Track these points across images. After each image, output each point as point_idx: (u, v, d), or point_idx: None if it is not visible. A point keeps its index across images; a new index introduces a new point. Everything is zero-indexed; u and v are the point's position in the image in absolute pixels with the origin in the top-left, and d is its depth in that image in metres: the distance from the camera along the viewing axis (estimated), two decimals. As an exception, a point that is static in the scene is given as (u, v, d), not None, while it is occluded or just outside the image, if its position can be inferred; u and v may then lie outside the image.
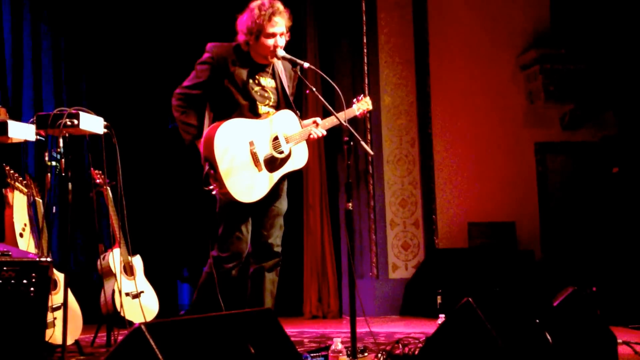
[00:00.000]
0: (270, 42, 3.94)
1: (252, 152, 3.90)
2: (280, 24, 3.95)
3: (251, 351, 2.37)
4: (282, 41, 3.98)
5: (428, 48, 7.10)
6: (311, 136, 4.09)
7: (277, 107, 4.08)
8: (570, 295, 3.38)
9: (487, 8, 7.22)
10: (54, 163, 3.76)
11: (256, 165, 3.90)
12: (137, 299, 4.88)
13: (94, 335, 4.86)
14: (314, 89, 3.96)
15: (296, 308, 6.78)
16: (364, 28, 6.99)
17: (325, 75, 4.01)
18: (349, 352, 3.60)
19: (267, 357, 2.46)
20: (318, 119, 4.16)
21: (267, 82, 4.08)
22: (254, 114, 3.99)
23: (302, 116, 4.32)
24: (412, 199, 6.99)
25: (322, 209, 6.83)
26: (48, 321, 3.77)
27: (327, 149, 6.87)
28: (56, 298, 4.05)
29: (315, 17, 6.98)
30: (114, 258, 4.80)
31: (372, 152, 4.55)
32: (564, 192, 7.12)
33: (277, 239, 4.13)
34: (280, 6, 3.97)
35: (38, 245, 4.09)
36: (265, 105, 4.04)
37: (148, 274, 5.16)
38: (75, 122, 3.77)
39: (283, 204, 4.15)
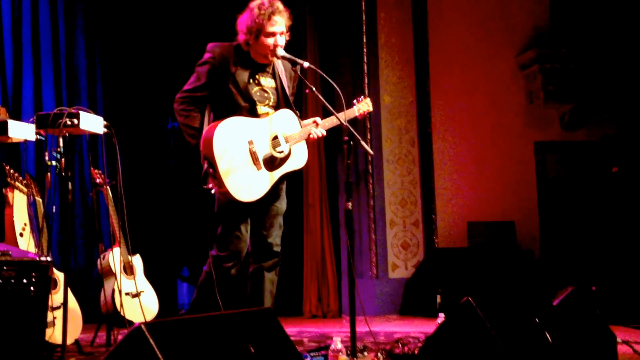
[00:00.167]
0: (270, 41, 3.94)
1: (251, 151, 3.90)
2: (280, 23, 3.95)
3: (251, 350, 2.37)
4: (282, 40, 3.98)
5: (428, 48, 7.10)
6: (311, 136, 4.09)
7: (277, 107, 4.09)
8: (570, 295, 3.38)
9: (486, 8, 7.22)
10: (54, 163, 3.76)
11: (255, 165, 3.91)
12: (136, 298, 4.88)
13: (94, 335, 4.86)
14: (314, 89, 3.96)
15: (296, 307, 6.78)
16: (364, 27, 6.98)
17: (325, 75, 4.01)
18: (348, 352, 3.61)
19: (267, 356, 2.46)
20: (318, 119, 4.16)
21: (267, 82, 4.08)
22: (254, 116, 3.99)
23: (302, 116, 4.32)
24: (411, 198, 6.99)
25: (321, 209, 6.83)
26: (48, 320, 3.77)
27: (326, 148, 6.87)
28: (56, 297, 4.05)
29: (315, 17, 6.98)
30: (114, 257, 4.81)
31: (371, 152, 4.55)
32: (564, 191, 7.12)
33: (276, 238, 4.13)
34: (280, 5, 3.98)
35: (38, 244, 4.09)
36: (264, 106, 4.05)
37: (148, 273, 5.16)
38: (75, 121, 3.77)
39: (282, 204, 4.15)
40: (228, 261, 3.98)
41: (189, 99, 3.98)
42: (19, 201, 4.12)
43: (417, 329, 5.31)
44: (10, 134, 3.80)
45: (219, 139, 3.83)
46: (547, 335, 2.93)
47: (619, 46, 7.03)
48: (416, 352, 3.62)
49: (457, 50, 7.14)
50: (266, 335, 2.57)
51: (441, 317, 4.20)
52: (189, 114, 3.97)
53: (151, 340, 2.04)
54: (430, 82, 7.07)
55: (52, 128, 3.79)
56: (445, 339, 2.93)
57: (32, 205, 4.22)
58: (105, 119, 4.04)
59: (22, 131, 3.87)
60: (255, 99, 4.01)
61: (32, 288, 3.24)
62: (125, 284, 4.84)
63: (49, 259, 3.37)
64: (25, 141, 4.07)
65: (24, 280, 3.21)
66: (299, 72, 4.08)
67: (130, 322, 4.54)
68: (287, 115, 4.08)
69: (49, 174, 3.84)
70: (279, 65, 4.13)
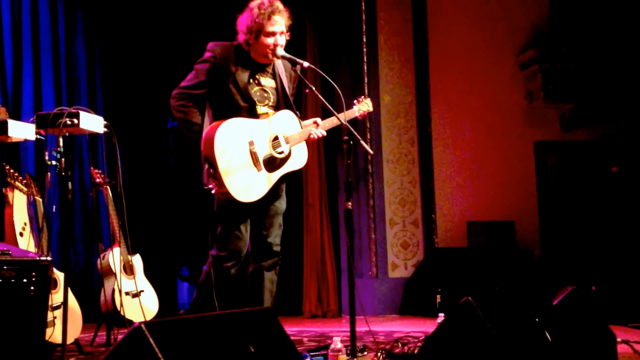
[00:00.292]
0: (270, 40, 3.94)
1: (251, 152, 3.90)
2: (279, 23, 3.95)
3: (251, 350, 2.37)
4: (282, 40, 3.98)
5: (427, 47, 7.10)
6: (311, 136, 4.10)
7: (277, 107, 4.09)
8: (570, 294, 3.38)
9: (486, 7, 7.23)
10: (53, 162, 3.76)
11: (255, 165, 3.91)
12: (136, 298, 4.89)
13: (94, 335, 4.86)
14: (314, 88, 3.96)
15: (296, 307, 6.78)
16: (364, 27, 6.99)
17: (325, 75, 4.01)
18: (348, 351, 3.61)
19: (266, 356, 2.46)
20: (318, 120, 4.17)
21: (267, 82, 4.08)
22: (253, 116, 4.00)
23: (302, 116, 4.32)
24: (411, 198, 6.99)
25: (321, 208, 6.84)
26: (48, 320, 3.77)
27: (326, 148, 6.87)
28: (56, 297, 4.05)
29: (315, 17, 6.98)
30: (114, 257, 4.81)
31: (371, 151, 4.56)
32: (563, 191, 7.12)
33: (276, 238, 4.14)
34: (279, 5, 3.98)
35: (38, 244, 4.09)
36: (264, 106, 4.05)
37: (148, 273, 5.16)
38: (75, 121, 3.78)
39: (282, 204, 4.15)
40: (228, 261, 3.99)
41: (187, 95, 3.98)
42: (19, 201, 4.12)
43: (416, 329, 5.31)
44: (10, 134, 3.80)
45: (220, 139, 3.83)
46: (547, 334, 2.93)
47: (618, 46, 7.03)
48: (416, 351, 3.62)
49: (457, 49, 7.14)
50: (266, 334, 2.57)
51: (441, 316, 4.20)
52: (188, 109, 3.96)
53: (151, 340, 2.04)
54: (430, 81, 7.08)
55: (52, 128, 3.79)
56: (445, 338, 2.93)
57: (32, 205, 4.22)
58: (105, 119, 4.05)
59: (22, 131, 3.87)
60: (255, 99, 4.02)
61: (32, 288, 3.24)
62: (125, 283, 4.84)
63: (49, 258, 3.37)
64: (25, 141, 4.07)
65: (24, 280, 3.21)
66: (299, 72, 4.09)
67: (130, 322, 4.54)
68: (287, 116, 4.08)
69: (49, 173, 3.84)
70: (279, 65, 4.13)
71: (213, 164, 3.81)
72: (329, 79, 3.95)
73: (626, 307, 5.51)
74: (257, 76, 4.05)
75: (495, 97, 7.17)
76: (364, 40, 6.98)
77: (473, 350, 2.82)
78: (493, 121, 7.15)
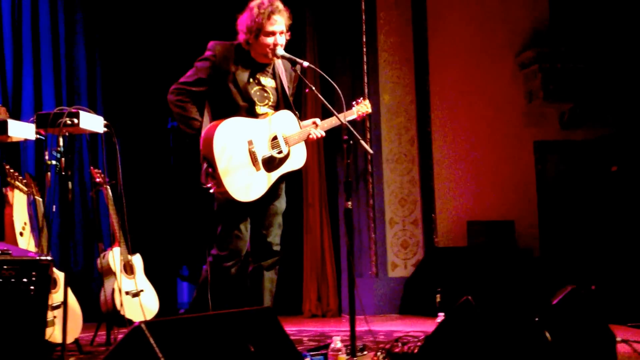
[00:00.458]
0: (269, 40, 3.95)
1: (250, 152, 3.90)
2: (279, 22, 3.96)
3: (251, 349, 2.38)
4: (282, 40, 3.98)
5: (427, 47, 7.10)
6: (310, 137, 4.10)
7: (277, 107, 4.09)
8: (569, 294, 3.38)
9: (486, 7, 7.23)
10: (54, 162, 3.76)
11: (254, 165, 3.91)
12: (136, 297, 4.89)
13: (94, 334, 4.86)
14: (314, 88, 3.97)
15: (295, 307, 6.78)
16: (364, 27, 6.99)
17: (325, 75, 4.01)
18: (348, 351, 3.61)
19: (266, 355, 2.46)
20: (317, 120, 4.18)
21: (267, 82, 4.09)
22: (252, 116, 4.00)
23: (301, 115, 4.33)
24: (411, 197, 7.00)
25: (321, 208, 6.84)
26: (48, 320, 3.77)
27: (326, 147, 6.87)
28: (56, 297, 4.05)
29: (315, 17, 6.98)
30: (114, 257, 4.81)
31: (371, 151, 4.56)
32: (563, 190, 7.12)
33: (276, 237, 4.14)
34: (279, 5, 3.98)
35: (38, 244, 4.09)
36: (264, 106, 4.05)
37: (148, 272, 5.17)
38: (75, 121, 3.78)
39: (282, 203, 4.16)
40: (228, 260, 3.99)
41: (185, 91, 3.98)
42: (19, 200, 4.12)
43: (416, 328, 5.31)
44: (10, 133, 3.80)
45: (219, 138, 3.83)
46: (547, 334, 2.93)
47: (618, 45, 7.03)
48: (416, 351, 3.62)
49: (456, 49, 7.14)
50: (266, 334, 2.58)
51: (441, 316, 4.20)
52: (185, 105, 3.96)
53: (151, 340, 2.04)
54: (429, 81, 7.08)
55: (52, 127, 3.79)
56: (444, 338, 2.94)
57: (32, 205, 4.22)
58: (105, 119, 4.05)
59: (22, 130, 3.87)
60: (255, 98, 4.02)
61: (32, 287, 3.24)
62: (125, 283, 4.84)
63: (49, 258, 3.37)
64: (25, 140, 4.07)
65: (24, 280, 3.21)
66: (298, 72, 4.09)
67: (130, 321, 4.55)
68: (286, 116, 4.08)
69: (49, 173, 3.84)
70: (279, 65, 4.13)
71: (212, 164, 3.81)
72: (329, 79, 3.95)
73: (626, 307, 5.50)
74: (257, 76, 4.06)
75: (495, 97, 7.17)
76: (364, 40, 6.99)
77: (473, 350, 2.82)
78: (493, 121, 7.15)
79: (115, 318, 4.71)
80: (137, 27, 6.87)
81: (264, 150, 3.97)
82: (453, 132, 7.09)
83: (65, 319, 3.74)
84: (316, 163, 6.80)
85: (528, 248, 6.85)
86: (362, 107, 4.38)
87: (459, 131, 7.09)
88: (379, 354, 3.64)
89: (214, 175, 3.82)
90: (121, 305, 4.69)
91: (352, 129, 3.85)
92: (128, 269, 4.95)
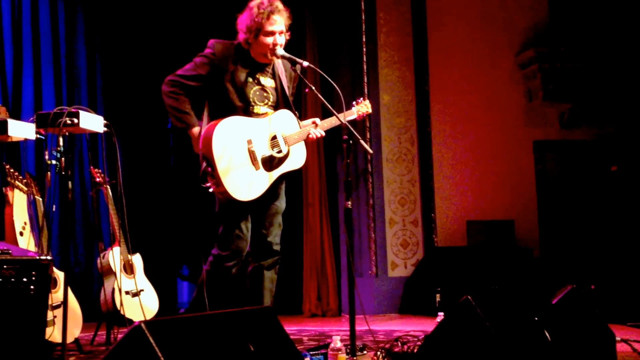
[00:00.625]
0: (269, 40, 3.95)
1: (249, 151, 3.91)
2: (279, 22, 3.96)
3: (251, 349, 2.38)
4: (281, 39, 3.99)
5: (427, 46, 7.11)
6: (310, 136, 4.11)
7: (276, 107, 4.10)
8: (569, 293, 3.39)
9: (485, 7, 7.23)
10: (54, 162, 3.76)
11: (253, 164, 3.91)
12: (136, 297, 4.89)
13: (94, 334, 4.87)
14: (314, 88, 3.97)
15: (295, 306, 6.79)
16: (363, 27, 6.99)
17: (324, 74, 4.01)
18: (348, 350, 3.61)
19: (266, 355, 2.46)
20: (317, 120, 4.18)
21: (267, 81, 4.09)
22: (248, 116, 4.00)
23: (301, 115, 4.33)
24: (411, 197, 7.00)
25: (321, 208, 6.84)
26: (48, 319, 3.77)
27: (326, 147, 6.87)
28: (56, 296, 4.06)
29: (315, 17, 6.99)
30: (114, 256, 4.81)
31: (371, 151, 4.56)
32: (563, 190, 7.13)
33: (276, 237, 4.15)
34: (279, 5, 3.99)
35: (38, 243, 4.09)
36: (264, 105, 4.05)
37: (148, 272, 5.17)
38: (75, 120, 3.77)
39: (282, 203, 4.16)
40: (229, 260, 3.99)
41: (179, 84, 3.98)
42: (19, 200, 4.12)
43: (416, 328, 5.31)
44: (10, 133, 3.79)
45: (218, 138, 3.84)
46: (546, 333, 2.93)
47: (618, 45, 7.04)
48: (415, 350, 3.63)
49: (456, 49, 7.15)
50: (266, 334, 2.58)
51: (440, 315, 4.20)
52: (179, 97, 3.96)
53: (151, 339, 2.04)
54: (429, 81, 7.08)
55: (52, 127, 3.79)
56: (444, 337, 2.94)
57: (32, 204, 4.22)
58: (105, 118, 4.05)
59: (22, 130, 3.87)
60: (254, 98, 4.02)
61: (32, 287, 3.24)
62: (125, 282, 4.84)
63: (49, 257, 3.37)
64: (25, 140, 4.07)
65: (24, 279, 3.21)
66: (298, 72, 4.09)
67: (130, 321, 4.55)
68: (286, 116, 4.09)
69: (49, 173, 3.84)
70: (279, 65, 4.14)
71: (211, 163, 3.82)
72: (329, 79, 3.95)
73: (625, 306, 5.51)
74: (256, 76, 4.06)
75: (495, 97, 7.17)
76: (364, 39, 6.99)
77: (472, 349, 2.82)
78: (492, 120, 7.15)
79: (115, 318, 4.72)
80: (137, 27, 6.87)
81: (263, 150, 3.97)
82: (453, 132, 7.09)
83: (65, 319, 3.74)
84: (316, 163, 6.80)
85: (528, 248, 6.86)
86: (362, 107, 4.39)
87: (459, 131, 7.10)
88: (378, 353, 3.65)
89: (213, 174, 3.82)
90: (121, 304, 4.69)
91: (352, 128, 3.85)
92: (128, 268, 4.95)
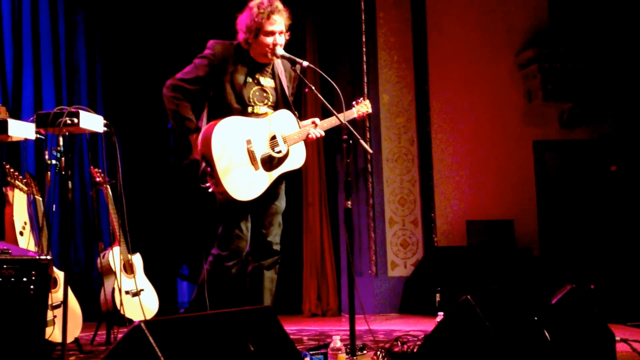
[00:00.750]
0: (269, 40, 3.95)
1: (249, 151, 3.91)
2: (279, 22, 3.96)
3: (250, 349, 2.38)
4: (281, 39, 3.99)
5: (427, 47, 7.11)
6: (309, 136, 4.11)
7: (276, 107, 4.10)
8: (569, 293, 3.39)
9: (485, 7, 7.23)
10: (54, 161, 3.76)
11: (253, 164, 3.92)
12: (136, 297, 4.89)
13: (94, 334, 4.87)
14: (314, 88, 3.97)
15: (295, 306, 6.79)
16: (363, 27, 6.99)
17: (324, 74, 4.02)
18: (348, 350, 3.61)
19: (266, 354, 2.47)
20: (317, 120, 4.18)
21: (267, 82, 4.09)
22: (248, 116, 4.00)
23: (301, 115, 4.34)
24: (411, 197, 7.00)
25: (321, 207, 6.84)
26: (48, 319, 3.78)
27: (326, 147, 6.87)
28: (56, 296, 4.06)
29: (315, 17, 6.99)
30: (114, 256, 4.81)
31: (371, 151, 4.56)
32: (562, 190, 7.13)
33: (276, 237, 4.15)
34: (279, 5, 3.99)
35: (38, 243, 4.10)
36: (263, 105, 4.06)
37: (148, 272, 5.17)
38: (75, 120, 3.78)
39: (282, 203, 4.16)
40: (229, 260, 4.00)
41: (180, 88, 3.98)
42: (19, 200, 4.12)
43: (416, 327, 5.31)
44: (10, 133, 3.80)
45: (217, 138, 3.84)
46: (546, 333, 2.94)
47: (617, 45, 7.04)
48: (415, 350, 3.63)
49: (456, 49, 7.15)
50: (266, 333, 2.58)
51: (440, 315, 4.21)
52: (180, 102, 3.96)
53: (151, 339, 2.05)
54: (429, 81, 7.09)
55: (52, 127, 3.79)
56: (444, 337, 2.94)
57: (32, 204, 4.22)
58: (105, 118, 4.05)
59: (22, 130, 3.87)
60: (253, 99, 4.02)
61: (32, 286, 3.24)
62: (125, 282, 4.84)
63: (48, 257, 3.38)
64: (26, 140, 4.07)
65: (24, 279, 3.22)
66: (298, 72, 4.09)
67: (130, 321, 4.55)
68: (285, 116, 4.09)
69: (49, 172, 3.84)
70: (279, 65, 4.14)
71: (210, 163, 3.82)
72: (329, 79, 3.95)
73: (625, 306, 5.51)
74: (256, 76, 4.06)
75: (494, 97, 7.17)
76: (364, 40, 6.99)
77: (472, 349, 2.82)
78: (492, 120, 7.16)
79: (115, 317, 4.72)
80: (137, 27, 6.87)
81: (262, 150, 3.97)
82: (452, 132, 7.09)
83: (65, 319, 3.75)
84: (316, 162, 6.80)
85: (527, 247, 6.86)
86: (362, 107, 4.39)
87: (459, 131, 7.10)
88: (378, 353, 3.65)
89: (213, 174, 3.82)
90: (121, 304, 4.69)
91: (351, 128, 3.86)
92: (128, 268, 4.95)
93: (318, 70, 4.15)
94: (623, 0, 7.04)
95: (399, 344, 3.79)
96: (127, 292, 4.83)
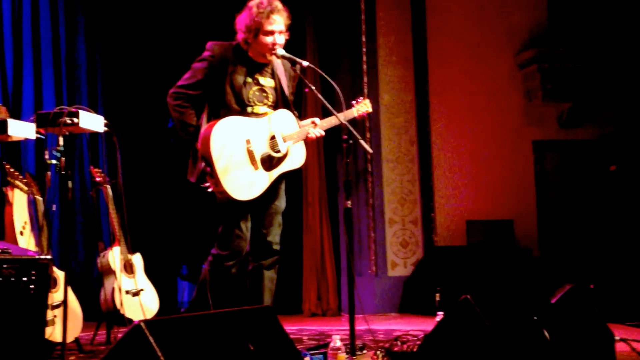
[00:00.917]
0: (268, 39, 3.95)
1: (248, 150, 3.91)
2: (278, 22, 3.96)
3: (250, 349, 2.38)
4: (281, 39, 3.99)
5: (427, 46, 7.11)
6: (309, 136, 4.11)
7: (276, 106, 4.10)
8: (568, 293, 3.39)
9: (485, 7, 7.24)
10: (54, 161, 3.77)
11: (252, 164, 3.92)
12: (137, 296, 4.90)
13: (94, 333, 4.87)
14: (314, 88, 3.97)
15: (295, 306, 6.79)
16: (363, 27, 7.00)
17: (324, 74, 4.02)
18: (347, 350, 3.61)
19: (266, 354, 2.47)
20: (316, 119, 4.18)
21: (267, 81, 4.09)
22: (247, 116, 4.00)
23: (301, 115, 4.33)
24: (410, 197, 7.00)
25: (321, 207, 6.84)
26: (48, 319, 3.78)
27: (326, 147, 6.88)
28: (56, 296, 4.06)
29: (315, 17, 6.99)
30: (114, 256, 4.82)
31: (371, 151, 4.56)
32: (562, 190, 7.13)
33: (276, 237, 4.15)
34: (278, 4, 3.99)
35: (38, 243, 4.10)
36: (263, 105, 4.06)
37: (148, 272, 5.17)
38: (75, 120, 3.78)
39: (282, 203, 4.16)
40: (229, 260, 4.00)
41: (184, 95, 3.98)
42: (19, 200, 4.12)
43: (416, 327, 5.32)
44: (10, 133, 3.80)
45: (216, 138, 3.84)
46: (545, 333, 2.94)
47: (617, 45, 7.04)
48: (415, 349, 3.63)
49: (456, 49, 7.15)
50: (266, 333, 2.58)
51: (440, 315, 4.21)
52: (185, 110, 3.97)
53: (151, 339, 2.05)
54: (429, 81, 7.09)
55: (52, 127, 3.80)
56: (443, 336, 2.95)
57: (32, 204, 4.22)
58: (105, 118, 4.06)
59: (22, 130, 3.88)
60: (253, 99, 4.02)
61: (32, 286, 3.25)
62: (126, 282, 4.85)
63: (48, 257, 3.38)
64: (26, 140, 4.08)
65: (24, 279, 3.22)
66: (298, 72, 4.10)
67: (130, 321, 4.55)
68: (285, 115, 4.09)
69: (49, 172, 3.85)
70: (279, 65, 4.14)
71: (210, 163, 3.82)
72: (329, 79, 3.95)
73: (624, 306, 5.51)
74: (256, 76, 4.06)
75: (494, 96, 7.18)
76: (364, 40, 6.99)
77: (472, 349, 2.83)
78: (492, 120, 7.16)
79: (115, 317, 4.72)
80: (137, 27, 6.87)
81: (262, 149, 3.97)
82: (452, 132, 7.10)
83: (65, 318, 3.75)
84: (316, 162, 6.80)
85: (527, 247, 6.87)
86: (362, 106, 4.39)
87: (459, 131, 7.11)
88: (378, 352, 3.65)
89: (212, 174, 3.82)
90: (121, 304, 4.69)
91: (351, 128, 3.86)
92: (128, 268, 4.95)
93: (318, 70, 4.15)
94: (623, 0, 7.04)
95: (399, 343, 3.80)
96: (127, 292, 4.84)
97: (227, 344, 2.35)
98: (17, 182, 4.13)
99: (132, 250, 5.00)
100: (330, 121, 4.14)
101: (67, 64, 6.57)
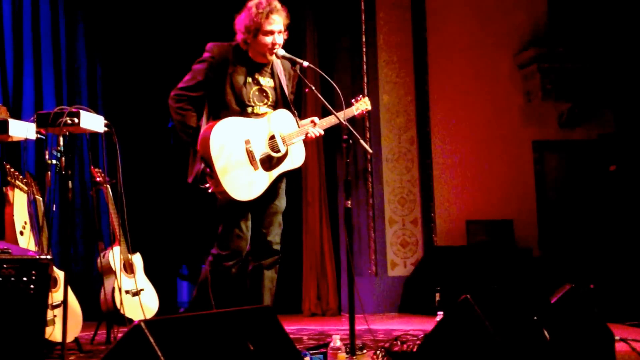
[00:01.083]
0: (268, 39, 3.95)
1: (248, 151, 3.91)
2: (277, 22, 3.96)
3: (250, 348, 2.39)
4: (280, 39, 3.99)
5: (426, 47, 7.12)
6: (308, 135, 4.11)
7: (275, 106, 4.10)
8: (568, 293, 3.40)
9: (485, 7, 7.24)
10: (54, 161, 3.77)
11: (252, 164, 3.92)
12: (137, 296, 4.90)
13: (94, 333, 4.87)
14: (313, 88, 3.98)
15: (295, 306, 6.79)
16: (363, 27, 7.00)
17: (324, 74, 4.02)
18: (347, 350, 3.62)
19: (266, 354, 2.47)
20: (316, 119, 4.18)
21: (266, 81, 4.09)
22: (247, 116, 4.00)
23: (301, 115, 4.34)
24: (410, 197, 7.01)
25: (321, 207, 6.84)
26: (48, 319, 3.78)
27: (326, 147, 6.88)
28: (56, 296, 4.06)
29: (315, 17, 6.99)
30: (114, 256, 4.82)
31: (371, 151, 4.57)
32: (562, 190, 7.13)
33: (276, 236, 4.15)
34: (277, 4, 3.99)
35: (38, 243, 4.10)
36: (263, 105, 4.06)
37: (148, 271, 5.17)
38: (76, 120, 3.79)
39: (282, 202, 4.17)
40: (229, 260, 4.00)
41: (185, 97, 3.99)
42: (19, 200, 4.13)
43: (416, 327, 5.32)
44: (10, 133, 3.81)
45: (216, 138, 3.84)
46: (545, 332, 2.94)
47: (617, 45, 7.04)
48: (415, 349, 3.63)
49: (455, 49, 7.15)
50: (265, 333, 2.58)
51: (440, 314, 4.21)
52: (186, 113, 3.97)
53: (151, 338, 2.05)
54: (429, 81, 7.09)
55: (52, 127, 3.80)
56: (443, 336, 2.95)
57: (32, 204, 4.23)
58: (105, 118, 4.06)
59: (22, 130, 3.88)
60: (253, 99, 4.02)
61: (32, 286, 3.25)
62: (125, 282, 4.85)
63: (48, 257, 3.38)
64: (26, 140, 4.08)
65: (24, 279, 3.22)
66: (298, 72, 4.10)
67: (130, 320, 4.55)
68: (284, 115, 4.09)
69: (49, 172, 3.85)
70: (278, 64, 4.14)
71: (209, 163, 3.82)
72: (329, 79, 3.96)
73: (624, 305, 5.52)
74: (255, 76, 4.06)
75: (494, 97, 7.18)
76: (364, 39, 6.99)
77: (471, 348, 2.83)
78: (491, 120, 7.16)
79: (115, 317, 4.72)
80: (137, 28, 6.87)
81: (261, 149, 3.97)
82: (452, 132, 7.10)
83: (65, 318, 3.75)
84: (316, 162, 6.80)
85: (527, 247, 6.86)
86: (362, 104, 4.39)
87: (458, 130, 7.11)
88: (378, 352, 3.65)
89: (212, 175, 3.83)
90: (121, 304, 4.69)
91: (351, 128, 3.86)
92: (128, 268, 4.96)
93: (318, 70, 4.15)
94: (623, 0, 7.04)
95: (399, 343, 3.80)
96: (127, 292, 4.84)
97: (227, 343, 2.35)
98: (17, 182, 4.13)
99: (132, 250, 5.00)
100: (330, 120, 4.14)
101: (68, 64, 6.57)
